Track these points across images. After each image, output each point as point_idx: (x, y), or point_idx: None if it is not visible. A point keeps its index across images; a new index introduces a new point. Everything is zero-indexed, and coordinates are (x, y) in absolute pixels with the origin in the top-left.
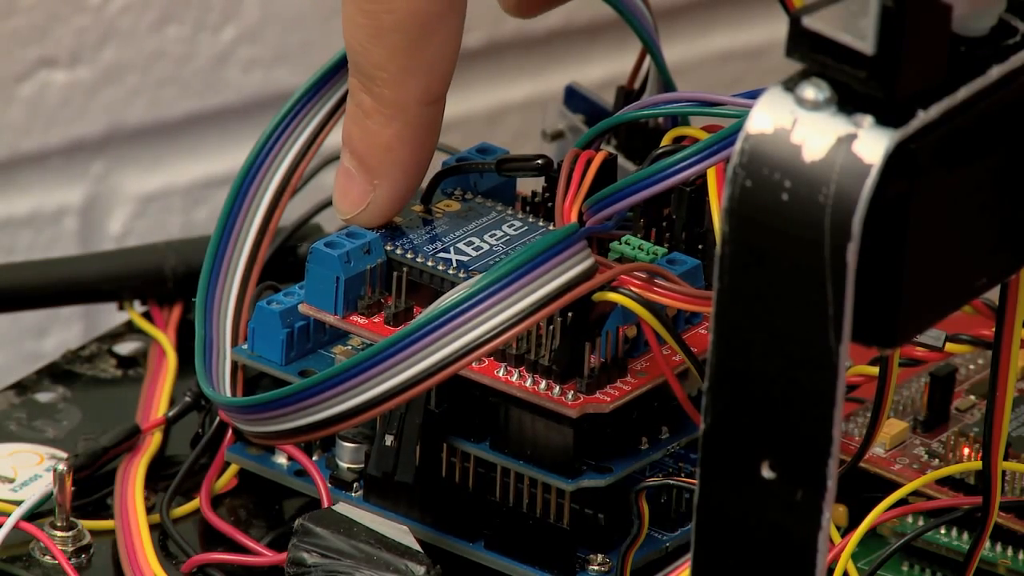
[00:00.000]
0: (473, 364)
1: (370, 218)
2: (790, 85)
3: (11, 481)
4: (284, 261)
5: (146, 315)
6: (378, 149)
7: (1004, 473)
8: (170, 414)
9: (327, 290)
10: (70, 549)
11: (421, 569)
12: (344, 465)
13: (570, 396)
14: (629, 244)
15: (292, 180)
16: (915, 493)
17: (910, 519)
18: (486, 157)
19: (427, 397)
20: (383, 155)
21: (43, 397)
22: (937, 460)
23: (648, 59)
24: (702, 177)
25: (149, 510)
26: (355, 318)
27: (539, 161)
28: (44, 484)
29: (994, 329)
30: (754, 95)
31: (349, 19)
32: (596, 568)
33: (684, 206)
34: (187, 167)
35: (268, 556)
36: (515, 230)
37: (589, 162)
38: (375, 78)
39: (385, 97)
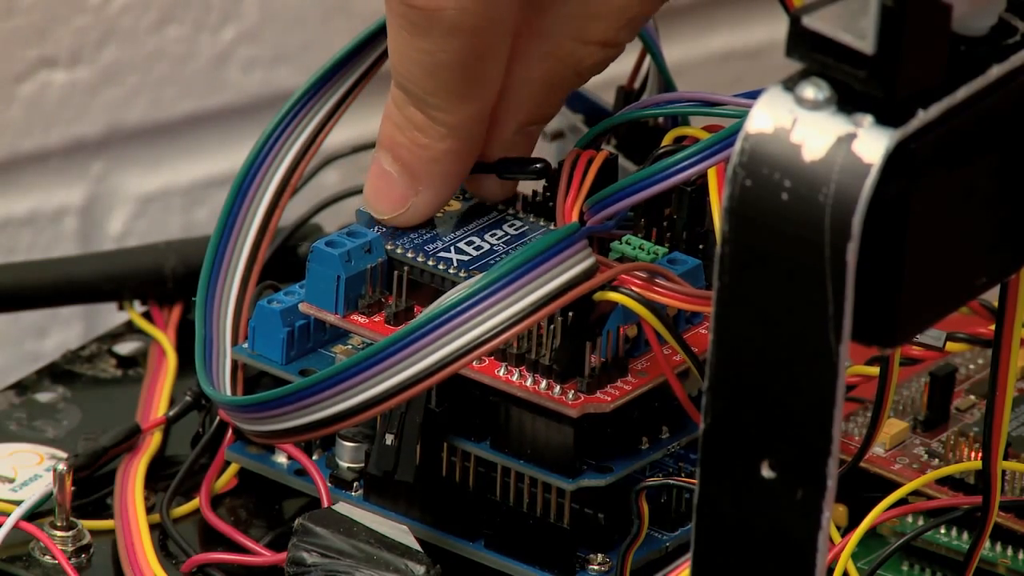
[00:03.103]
0: (473, 363)
1: (409, 220)
2: (790, 85)
3: (11, 481)
4: (284, 261)
5: (146, 315)
6: (426, 161)
7: (1004, 473)
8: (170, 414)
9: (328, 289)
10: (70, 549)
11: (421, 569)
12: (344, 464)
13: (571, 396)
14: (630, 244)
15: (292, 180)
16: (915, 493)
17: (910, 519)
18: None
19: (427, 396)
20: (431, 166)
21: (43, 397)
22: (937, 460)
23: (648, 59)
24: (703, 177)
25: (149, 510)
26: (355, 317)
27: (537, 165)
28: (44, 484)
29: (994, 328)
30: (754, 95)
31: (400, 53)
32: (596, 568)
33: (685, 206)
34: (187, 167)
35: (268, 556)
36: (515, 230)
37: (590, 162)
38: (428, 103)
39: (439, 119)
